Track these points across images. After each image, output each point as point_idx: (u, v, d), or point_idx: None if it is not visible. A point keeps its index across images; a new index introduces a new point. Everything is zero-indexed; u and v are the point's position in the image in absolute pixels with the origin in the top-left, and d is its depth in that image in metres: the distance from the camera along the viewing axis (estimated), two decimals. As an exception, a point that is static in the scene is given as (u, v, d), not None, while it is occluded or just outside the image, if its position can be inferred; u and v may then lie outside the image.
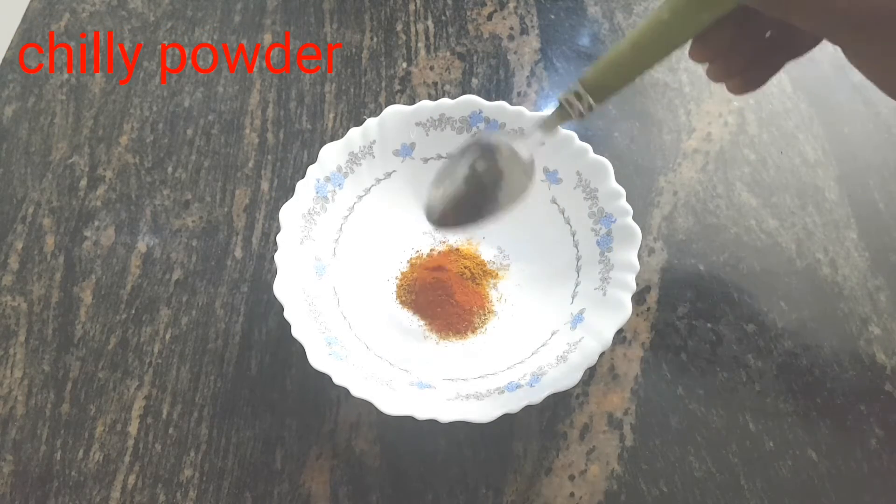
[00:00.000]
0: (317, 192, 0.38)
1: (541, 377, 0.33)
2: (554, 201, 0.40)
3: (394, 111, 0.40)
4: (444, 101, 0.40)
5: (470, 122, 0.40)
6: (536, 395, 0.31)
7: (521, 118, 0.39)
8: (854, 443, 0.36)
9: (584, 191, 0.38)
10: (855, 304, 0.40)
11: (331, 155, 0.39)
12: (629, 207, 0.36)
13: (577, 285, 0.38)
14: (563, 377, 0.32)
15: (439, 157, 0.41)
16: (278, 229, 0.43)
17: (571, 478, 0.36)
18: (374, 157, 0.40)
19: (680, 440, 0.36)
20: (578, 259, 0.38)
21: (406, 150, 0.41)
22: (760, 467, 0.36)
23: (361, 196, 0.40)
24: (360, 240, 0.40)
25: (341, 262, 0.39)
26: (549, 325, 0.37)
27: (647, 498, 0.35)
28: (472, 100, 0.40)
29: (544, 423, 0.37)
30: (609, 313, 0.34)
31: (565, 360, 0.34)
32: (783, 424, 0.37)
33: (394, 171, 0.41)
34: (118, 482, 0.36)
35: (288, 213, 0.37)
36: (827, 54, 0.49)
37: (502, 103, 0.39)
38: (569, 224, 0.39)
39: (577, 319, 0.36)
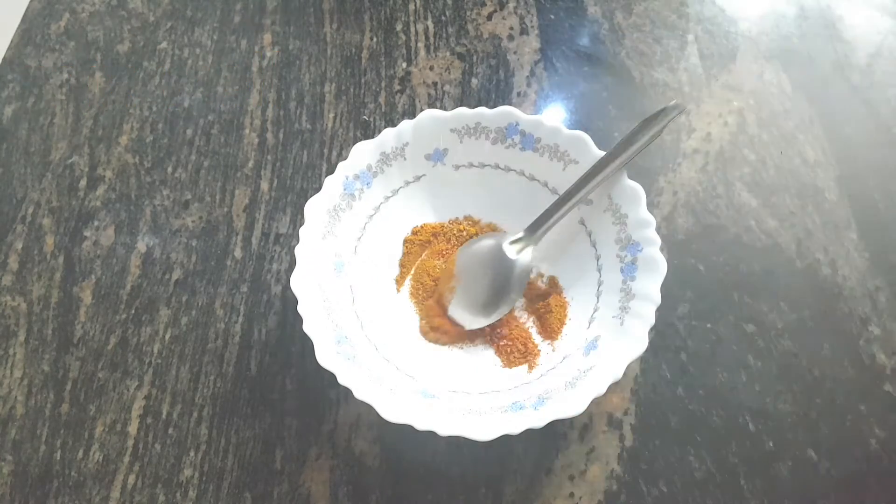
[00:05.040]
0: (344, 189, 0.38)
1: (546, 401, 0.33)
2: (582, 222, 0.39)
3: (429, 115, 0.39)
4: (482, 109, 0.39)
5: (506, 134, 0.39)
6: (539, 420, 0.31)
7: (558, 135, 0.38)
8: (854, 443, 0.36)
9: (614, 215, 0.37)
10: (855, 304, 0.40)
11: (362, 153, 0.38)
12: (657, 238, 0.35)
13: (595, 310, 0.37)
14: (569, 404, 0.32)
15: (471, 165, 0.41)
16: (278, 229, 0.43)
17: (571, 478, 0.36)
18: (405, 159, 0.40)
19: (680, 440, 0.36)
20: (600, 284, 0.37)
21: (438, 156, 0.40)
22: (760, 467, 0.36)
23: (389, 197, 0.40)
24: (382, 241, 0.40)
25: (361, 260, 0.39)
26: (562, 348, 0.37)
27: (647, 498, 0.35)
28: (510, 111, 0.39)
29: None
30: (624, 344, 0.33)
31: (573, 386, 0.33)
32: (783, 424, 0.37)
33: (423, 175, 0.40)
34: (118, 482, 0.36)
35: (313, 208, 0.37)
36: (827, 54, 0.49)
37: (540, 118, 0.39)
38: (594, 247, 0.38)
39: (591, 346, 0.35)
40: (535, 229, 0.38)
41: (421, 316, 0.39)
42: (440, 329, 0.38)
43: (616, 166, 0.36)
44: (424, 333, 0.39)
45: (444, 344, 0.38)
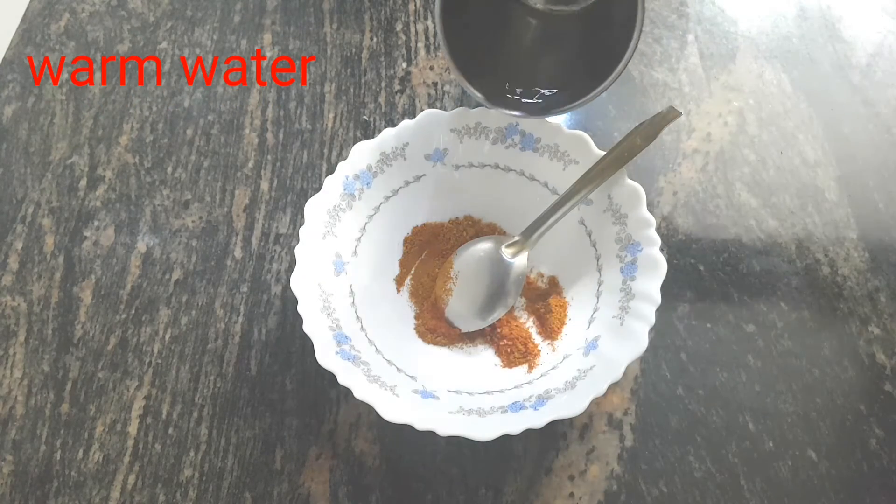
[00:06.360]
0: (344, 189, 0.38)
1: (546, 401, 0.33)
2: (582, 222, 0.39)
3: (429, 115, 0.39)
4: (482, 109, 0.39)
5: (506, 134, 0.39)
6: (539, 420, 0.31)
7: (558, 135, 0.38)
8: (854, 443, 0.36)
9: (614, 215, 0.37)
10: (855, 304, 0.40)
11: (362, 153, 0.38)
12: (657, 238, 0.35)
13: (595, 310, 0.37)
14: (569, 404, 0.31)
15: (471, 165, 0.41)
16: (278, 229, 0.43)
17: (571, 478, 0.36)
18: (405, 159, 0.40)
19: (680, 440, 0.36)
20: (600, 284, 0.37)
21: (438, 156, 0.40)
22: (760, 467, 0.36)
23: (389, 197, 0.40)
24: (382, 241, 0.40)
25: (361, 261, 0.39)
26: (562, 349, 0.37)
27: (647, 498, 0.35)
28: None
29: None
30: (624, 344, 0.33)
31: (573, 386, 0.33)
32: (783, 424, 0.37)
33: (423, 174, 0.40)
34: (118, 482, 0.36)
35: (313, 208, 0.37)
36: (827, 54, 0.49)
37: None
38: (594, 247, 0.38)
39: (591, 346, 0.35)
40: (531, 232, 0.38)
41: (417, 317, 0.39)
42: (436, 331, 0.38)
43: (610, 171, 0.36)
44: (421, 335, 0.39)
45: (442, 345, 0.38)
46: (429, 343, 0.38)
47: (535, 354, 0.37)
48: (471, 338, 0.39)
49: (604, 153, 0.37)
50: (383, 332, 0.37)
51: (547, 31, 0.31)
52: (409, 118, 0.39)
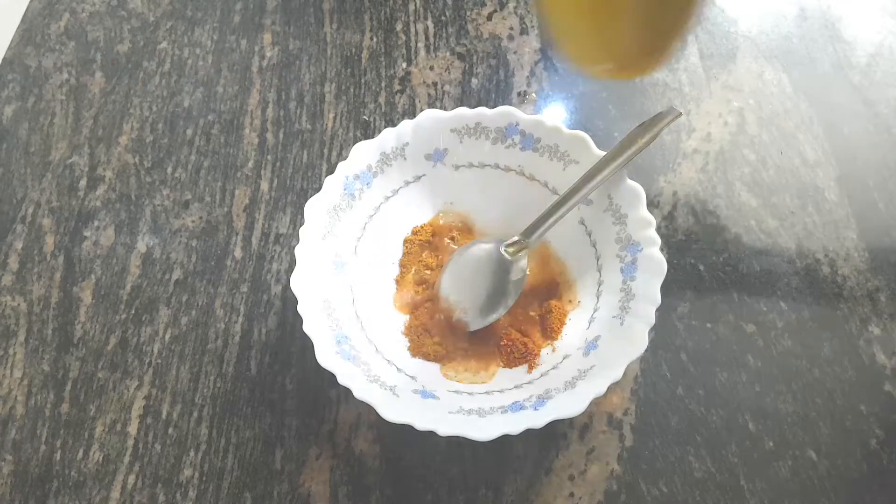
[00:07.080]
0: (344, 189, 0.38)
1: (546, 401, 0.33)
2: (582, 222, 0.39)
3: (430, 115, 0.39)
4: (482, 109, 0.39)
5: (506, 134, 0.39)
6: (539, 420, 0.31)
7: (558, 135, 0.38)
8: (854, 443, 0.36)
9: (614, 215, 0.37)
10: (855, 304, 0.40)
11: (362, 153, 0.38)
12: (657, 238, 0.35)
13: (595, 310, 0.37)
14: (569, 404, 0.31)
15: (471, 165, 0.41)
16: (278, 229, 0.43)
17: (571, 478, 0.36)
18: (405, 159, 0.40)
19: (680, 440, 0.36)
20: (600, 284, 0.37)
21: (438, 156, 0.40)
22: (760, 467, 0.36)
23: (389, 197, 0.40)
24: (382, 241, 0.40)
25: (361, 261, 0.39)
26: (562, 349, 0.37)
27: (647, 498, 0.35)
28: (510, 111, 0.39)
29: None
30: (624, 344, 0.33)
31: (573, 386, 0.33)
32: (783, 424, 0.37)
33: (423, 174, 0.40)
34: (118, 482, 0.36)
35: (313, 208, 0.37)
36: (827, 54, 0.49)
37: (539, 117, 0.39)
38: (594, 247, 0.38)
39: (591, 346, 0.35)
40: (531, 232, 0.38)
41: (410, 341, 0.38)
42: (432, 356, 0.38)
43: (610, 171, 0.36)
44: (415, 356, 0.38)
45: (440, 360, 0.38)
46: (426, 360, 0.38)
47: (535, 354, 0.37)
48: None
49: (604, 153, 0.37)
50: (383, 332, 0.37)
51: None
52: (409, 118, 0.39)
